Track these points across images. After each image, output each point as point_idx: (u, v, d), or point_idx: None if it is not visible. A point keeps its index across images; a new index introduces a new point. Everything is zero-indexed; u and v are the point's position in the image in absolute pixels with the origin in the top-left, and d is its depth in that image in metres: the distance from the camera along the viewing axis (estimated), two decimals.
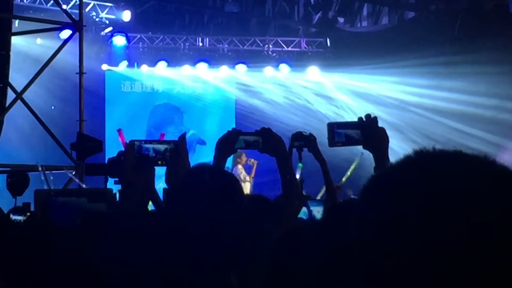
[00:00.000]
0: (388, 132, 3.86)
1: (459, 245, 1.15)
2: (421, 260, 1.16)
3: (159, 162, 3.61)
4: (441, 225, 1.16)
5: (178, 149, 3.66)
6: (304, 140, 4.74)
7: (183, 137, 3.80)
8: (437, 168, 1.23)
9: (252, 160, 14.34)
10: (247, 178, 14.34)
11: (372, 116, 3.88)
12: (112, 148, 11.24)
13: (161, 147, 3.68)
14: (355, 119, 3.96)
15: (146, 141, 3.72)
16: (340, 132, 3.98)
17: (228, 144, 3.93)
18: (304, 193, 5.16)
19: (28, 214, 7.21)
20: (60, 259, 1.47)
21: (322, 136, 5.19)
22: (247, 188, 13.77)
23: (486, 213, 1.16)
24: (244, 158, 14.35)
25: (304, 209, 4.84)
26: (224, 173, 2.84)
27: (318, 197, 8.40)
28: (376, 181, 1.29)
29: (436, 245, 1.16)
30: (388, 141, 3.78)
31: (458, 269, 1.15)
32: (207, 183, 2.58)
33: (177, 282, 2.34)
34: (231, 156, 4.66)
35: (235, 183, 2.69)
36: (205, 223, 2.44)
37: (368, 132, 3.81)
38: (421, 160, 1.27)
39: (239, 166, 14.36)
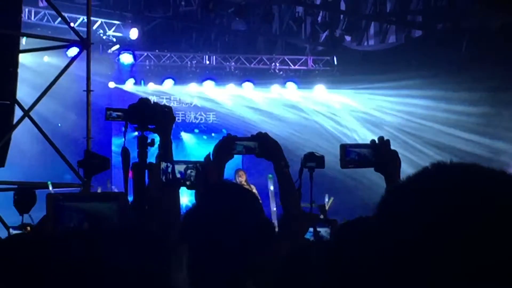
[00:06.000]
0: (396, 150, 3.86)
1: (484, 260, 1.12)
2: (446, 276, 1.13)
3: (182, 181, 3.59)
4: (464, 239, 1.14)
5: (206, 169, 3.61)
6: (316, 161, 4.74)
7: (208, 157, 3.75)
8: (457, 181, 1.20)
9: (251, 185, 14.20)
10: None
11: (385, 138, 3.87)
12: (120, 165, 11.19)
13: (183, 166, 3.65)
14: (361, 137, 3.95)
15: (172, 162, 3.68)
16: (352, 154, 3.95)
17: (224, 150, 3.92)
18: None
19: (28, 228, 7.24)
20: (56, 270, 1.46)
21: (329, 155, 5.18)
22: None
23: (508, 226, 1.14)
24: (243, 177, 14.13)
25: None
26: (245, 193, 2.69)
27: (327, 207, 8.28)
28: (394, 194, 1.25)
29: (460, 260, 1.13)
30: (400, 164, 3.77)
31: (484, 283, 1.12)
32: (227, 204, 2.49)
33: None
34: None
35: (255, 203, 2.58)
36: (221, 245, 2.38)
37: (381, 154, 3.80)
38: (440, 173, 1.24)
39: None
